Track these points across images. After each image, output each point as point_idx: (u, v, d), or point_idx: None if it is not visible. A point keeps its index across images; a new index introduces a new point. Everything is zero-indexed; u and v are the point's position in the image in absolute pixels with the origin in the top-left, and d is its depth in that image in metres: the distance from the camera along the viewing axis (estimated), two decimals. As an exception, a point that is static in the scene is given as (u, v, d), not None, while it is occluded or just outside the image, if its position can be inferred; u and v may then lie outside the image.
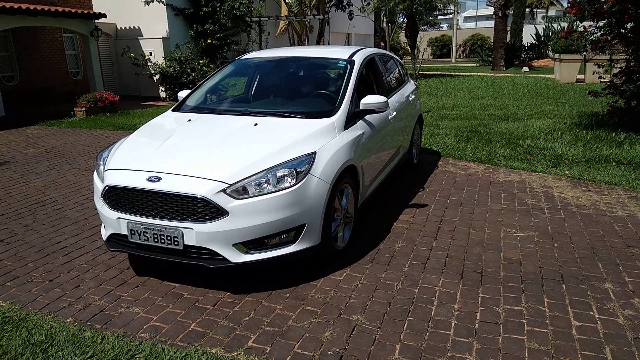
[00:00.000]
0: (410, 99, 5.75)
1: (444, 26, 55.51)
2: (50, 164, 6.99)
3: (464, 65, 29.04)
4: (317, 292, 3.24)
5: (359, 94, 4.21)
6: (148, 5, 15.44)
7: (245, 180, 3.06)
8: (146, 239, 3.14)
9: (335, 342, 2.69)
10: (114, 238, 3.35)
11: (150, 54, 15.84)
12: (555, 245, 3.93)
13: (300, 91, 4.47)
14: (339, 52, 4.76)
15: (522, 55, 24.84)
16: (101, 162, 3.56)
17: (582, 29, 9.00)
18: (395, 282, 3.35)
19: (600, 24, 8.44)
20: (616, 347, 2.60)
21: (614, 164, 6.24)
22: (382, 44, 27.20)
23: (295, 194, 3.12)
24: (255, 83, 4.81)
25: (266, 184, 3.10)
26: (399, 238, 4.10)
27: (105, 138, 8.92)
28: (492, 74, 19.13)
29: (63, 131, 9.79)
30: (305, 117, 3.81)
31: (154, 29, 16.00)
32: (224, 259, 3.07)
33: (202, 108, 4.33)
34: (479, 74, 19.13)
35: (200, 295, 3.22)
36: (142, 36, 16.21)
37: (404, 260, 3.68)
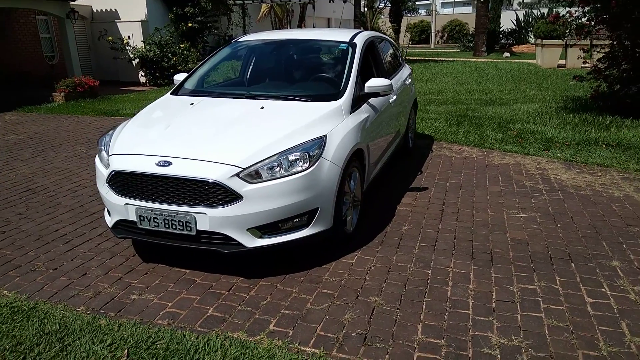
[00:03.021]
0: (407, 82, 5.74)
1: (422, 12, 55.59)
2: (35, 150, 6.76)
3: (445, 50, 29.15)
4: (331, 276, 3.22)
5: (360, 77, 4.17)
6: (126, -14, 15.01)
7: (259, 164, 3.00)
8: (156, 224, 3.07)
9: (357, 324, 2.69)
10: (121, 224, 3.26)
11: (129, 37, 15.40)
12: (559, 225, 4.00)
13: (303, 74, 4.40)
14: (338, 35, 4.69)
15: (503, 41, 25.08)
16: (103, 147, 3.45)
17: (567, 14, 9.12)
18: (408, 264, 3.36)
19: (586, 9, 8.56)
20: (632, 322, 2.67)
21: (604, 146, 6.36)
22: (363, 29, 27.11)
23: (308, 177, 3.08)
24: (256, 66, 4.70)
25: (279, 168, 3.05)
26: (405, 221, 4.11)
27: (89, 124, 8.67)
28: (474, 60, 19.29)
29: (43, 117, 9.47)
30: (312, 100, 3.76)
31: (132, 12, 15.53)
32: (239, 244, 3.02)
33: (202, 91, 4.23)
34: (461, 59, 19.27)
35: (213, 281, 3.17)
36: (120, 19, 15.72)
37: (412, 243, 3.69)
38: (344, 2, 14.21)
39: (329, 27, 34.74)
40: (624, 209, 4.30)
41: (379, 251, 3.56)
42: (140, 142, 3.30)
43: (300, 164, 3.09)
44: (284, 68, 4.60)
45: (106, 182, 3.22)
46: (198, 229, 3.00)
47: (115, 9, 15.79)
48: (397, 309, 2.83)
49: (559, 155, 6.09)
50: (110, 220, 3.36)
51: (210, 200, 2.96)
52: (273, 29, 20.01)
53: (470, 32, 26.99)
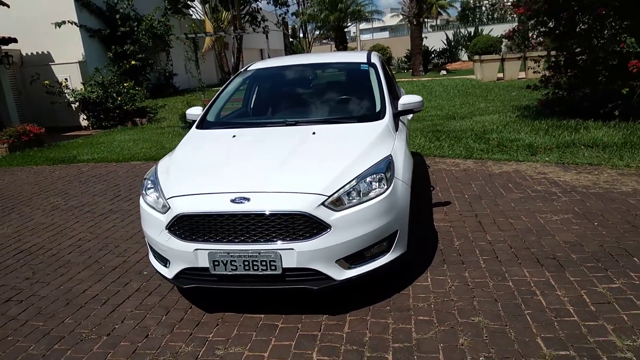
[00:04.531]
0: (407, 100, 5.78)
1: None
2: (4, 207, 6.05)
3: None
4: (416, 301, 3.08)
5: (387, 95, 4.13)
6: (59, 27, 14.24)
7: (341, 190, 2.84)
8: (234, 268, 2.78)
9: (477, 348, 2.56)
10: (186, 273, 2.92)
11: (66, 80, 14.49)
12: (595, 223, 4.12)
13: (332, 96, 4.27)
14: (352, 56, 4.67)
15: (435, 60, 26.45)
16: (152, 191, 3.11)
17: (516, 29, 9.74)
18: (484, 279, 3.29)
19: (532, 22, 9.21)
20: None
21: (582, 147, 6.74)
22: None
23: (389, 199, 2.95)
24: (279, 92, 4.51)
25: (358, 192, 2.90)
26: (451, 236, 4.06)
27: (50, 174, 7.94)
28: (417, 79, 20.08)
29: (-9, 171, 8.57)
30: (358, 122, 3.66)
31: (67, 53, 14.69)
32: (328, 278, 2.81)
33: (233, 123, 3.99)
34: (404, 79, 19.99)
35: (296, 323, 2.91)
36: (54, 61, 14.80)
37: (474, 257, 3.64)
38: (265, 34, 13.69)
39: (262, 57, 35.03)
40: (643, 202, 4.53)
41: (448, 270, 3.47)
42: (203, 180, 3.01)
43: (377, 185, 2.96)
44: (311, 92, 4.44)
45: (166, 229, 2.89)
46: (284, 266, 2.75)
47: (48, 52, 14.87)
48: (506, 325, 2.74)
49: (546, 159, 6.36)
50: (168, 271, 3.01)
51: (297, 234, 2.73)
52: (216, 62, 19.78)
53: (394, 56, 28.14)
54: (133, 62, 15.36)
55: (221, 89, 4.47)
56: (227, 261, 2.78)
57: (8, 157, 9.82)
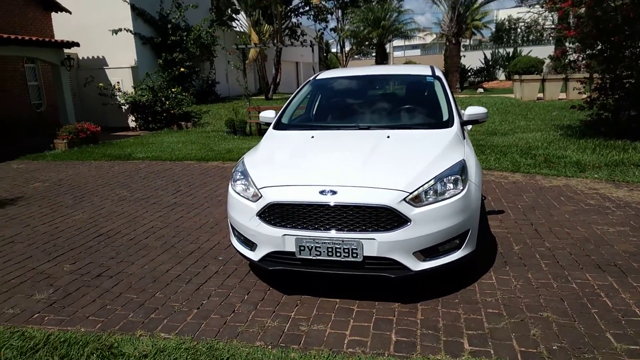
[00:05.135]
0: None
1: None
2: (74, 196, 6.47)
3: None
4: (483, 296, 3.25)
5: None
6: (116, 34, 14.97)
7: (420, 189, 3.06)
8: (318, 253, 3.02)
9: (550, 339, 2.72)
10: (272, 256, 3.18)
11: (118, 83, 15.22)
12: (653, 237, 4.21)
13: (403, 105, 4.50)
14: (416, 70, 4.91)
15: (471, 78, 26.60)
16: (240, 182, 3.40)
17: (564, 49, 9.83)
18: (548, 280, 3.44)
19: (577, 44, 9.30)
20: None
21: (632, 166, 6.77)
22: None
23: (464, 199, 3.15)
24: (350, 99, 4.75)
25: (435, 192, 3.11)
26: (509, 242, 4.21)
27: (110, 169, 8.40)
28: (455, 96, 20.30)
29: (54, 164, 9.11)
30: (429, 128, 3.88)
31: (120, 58, 15.44)
32: (405, 268, 3.02)
33: (308, 125, 4.27)
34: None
35: (370, 308, 3.13)
36: (107, 65, 15.56)
37: (535, 261, 3.78)
38: (311, 47, 13.90)
39: (297, 69, 35.65)
40: (701, 220, 4.59)
41: (510, 270, 3.63)
42: (292, 173, 3.28)
43: (454, 186, 3.16)
44: (380, 100, 4.68)
45: (257, 215, 3.16)
46: (365, 255, 2.98)
47: (102, 56, 15.63)
48: (575, 321, 2.88)
49: (596, 176, 6.42)
50: (255, 254, 3.27)
51: (380, 225, 2.96)
52: (256, 72, 20.36)
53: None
54: (182, 69, 15.98)
55: (292, 95, 4.77)
56: (312, 247, 3.02)
57: (67, 152, 10.39)
